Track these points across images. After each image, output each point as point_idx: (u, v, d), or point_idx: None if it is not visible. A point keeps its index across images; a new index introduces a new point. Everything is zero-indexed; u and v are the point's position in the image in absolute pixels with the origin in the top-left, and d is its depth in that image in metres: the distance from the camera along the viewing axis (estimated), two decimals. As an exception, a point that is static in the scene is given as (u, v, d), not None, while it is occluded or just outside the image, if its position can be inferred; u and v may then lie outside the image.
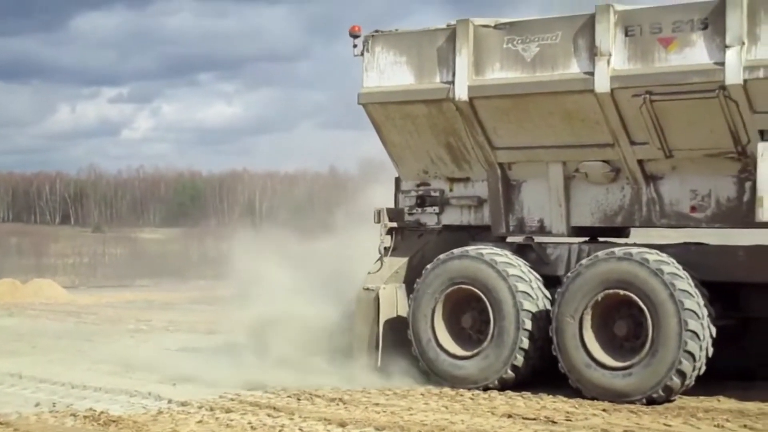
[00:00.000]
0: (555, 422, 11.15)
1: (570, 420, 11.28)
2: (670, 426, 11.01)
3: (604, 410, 11.90)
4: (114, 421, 11.19)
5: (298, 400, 12.75)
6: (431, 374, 14.09)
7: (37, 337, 21.11)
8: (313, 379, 14.18)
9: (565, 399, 12.66)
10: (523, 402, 12.60)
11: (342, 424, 11.02)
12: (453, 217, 15.33)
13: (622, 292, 12.97)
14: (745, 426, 10.92)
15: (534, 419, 11.35)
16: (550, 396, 12.84)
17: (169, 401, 12.57)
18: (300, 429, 10.82)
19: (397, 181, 15.87)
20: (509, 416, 11.56)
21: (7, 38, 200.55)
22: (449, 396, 13.09)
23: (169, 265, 55.98)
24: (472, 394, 13.11)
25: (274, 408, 12.08)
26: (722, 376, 13.70)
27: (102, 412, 11.65)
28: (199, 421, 11.30)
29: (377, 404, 12.45)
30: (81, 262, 71.43)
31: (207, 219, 70.65)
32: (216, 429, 10.92)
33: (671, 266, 12.83)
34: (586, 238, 14.26)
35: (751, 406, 12.10)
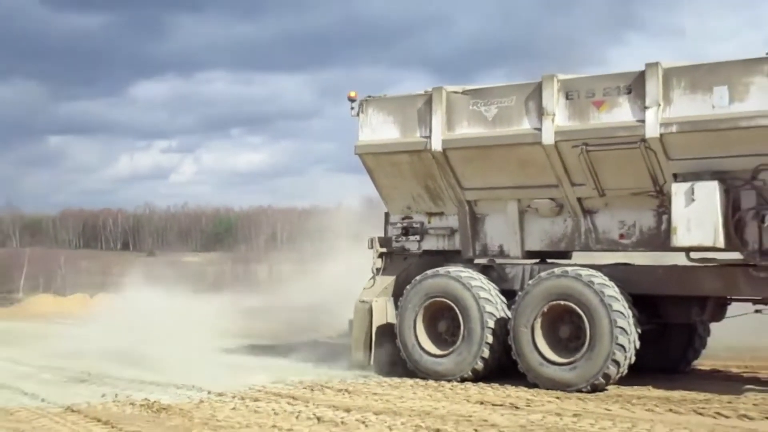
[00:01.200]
0: (518, 408, 11.09)
1: (530, 406, 11.21)
2: (610, 410, 10.91)
3: (557, 398, 11.85)
4: (164, 409, 11.20)
5: (312, 390, 12.67)
6: (417, 371, 13.87)
7: (102, 341, 20.59)
8: (323, 374, 14.11)
9: (526, 389, 12.55)
10: (492, 391, 12.51)
11: (347, 410, 10.95)
12: (431, 243, 15.20)
13: (563, 302, 12.87)
14: (670, 410, 10.87)
15: (501, 405, 11.31)
16: (514, 387, 12.73)
17: (209, 392, 12.55)
18: (314, 414, 10.75)
19: (386, 215, 15.71)
20: (481, 403, 11.53)
21: (79, 101, 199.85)
22: (432, 387, 12.97)
23: (208, 281, 55.76)
24: (451, 385, 13.00)
25: (293, 397, 12.03)
26: (651, 370, 13.55)
27: (155, 402, 11.68)
28: (233, 408, 11.27)
29: (375, 394, 12.38)
30: (138, 281, 70.72)
31: (238, 246, 70.14)
32: (246, 414, 10.83)
33: (600, 278, 12.73)
34: (537, 260, 14.07)
35: (676, 394, 12.05)
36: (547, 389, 12.60)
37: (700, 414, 10.64)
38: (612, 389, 12.39)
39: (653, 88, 12.55)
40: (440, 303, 13.95)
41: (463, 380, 13.41)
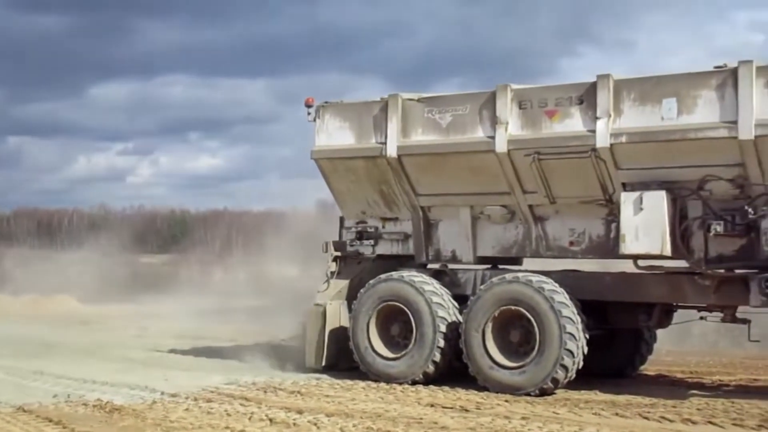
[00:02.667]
0: (468, 410, 11.13)
1: (479, 409, 11.25)
2: (558, 413, 11.00)
3: (506, 401, 11.89)
4: (117, 410, 11.12)
5: (265, 392, 12.62)
6: (369, 374, 13.87)
7: (55, 341, 20.79)
8: (276, 376, 14.04)
9: (476, 392, 12.58)
10: (442, 394, 12.54)
11: (300, 412, 10.95)
12: (385, 248, 15.23)
13: (513, 307, 12.89)
14: (617, 414, 10.97)
15: (451, 408, 11.34)
16: (465, 390, 12.73)
17: (162, 393, 12.44)
18: (266, 415, 10.72)
19: (341, 219, 15.68)
20: (431, 405, 11.56)
21: (39, 103, 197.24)
22: (384, 389, 12.96)
23: (163, 283, 55.13)
24: (402, 388, 13.01)
25: (246, 398, 11.99)
26: (598, 375, 13.65)
27: (107, 402, 11.56)
28: (186, 409, 11.21)
29: (327, 396, 12.38)
30: (93, 281, 70.10)
31: (194, 248, 69.72)
32: (199, 415, 10.80)
33: (550, 284, 12.77)
34: (489, 266, 14.13)
35: (622, 398, 12.14)
36: (497, 392, 12.60)
37: (646, 418, 10.75)
38: (560, 393, 12.47)
39: (604, 99, 12.60)
40: (393, 307, 13.95)
41: (414, 383, 13.41)
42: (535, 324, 12.68)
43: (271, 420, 10.48)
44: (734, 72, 11.85)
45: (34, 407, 11.30)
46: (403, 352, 13.77)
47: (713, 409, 11.40)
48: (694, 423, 10.49)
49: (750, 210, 11.94)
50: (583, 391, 12.64)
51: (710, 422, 10.55)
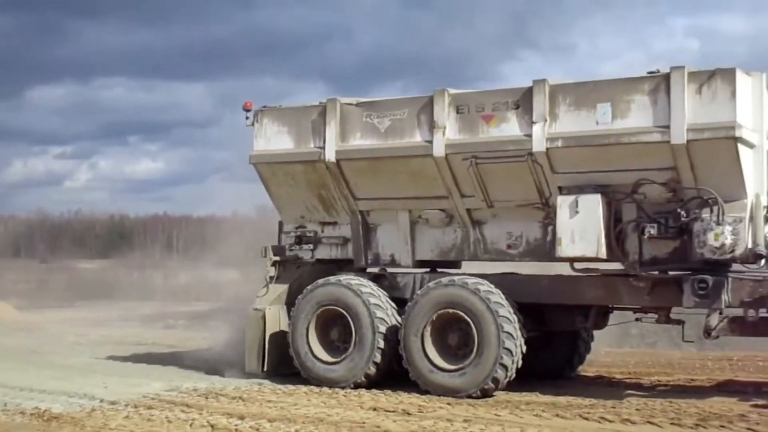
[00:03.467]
0: (410, 414, 11.17)
1: (422, 412, 11.29)
2: (499, 415, 11.03)
3: (448, 404, 11.92)
4: (56, 418, 11.04)
5: (206, 398, 12.55)
6: (310, 379, 13.87)
7: None
8: (218, 382, 14.03)
9: (418, 395, 12.63)
10: (385, 398, 12.57)
11: (242, 417, 10.93)
12: (324, 252, 15.23)
13: (451, 310, 12.95)
14: (557, 415, 11.02)
15: (393, 411, 11.37)
16: (407, 393, 12.78)
17: (101, 400, 12.32)
18: (208, 422, 10.69)
19: (280, 224, 15.65)
20: (374, 409, 11.57)
21: None
22: (327, 394, 12.91)
23: (102, 289, 54.92)
24: (345, 392, 12.98)
25: (187, 405, 11.93)
26: (537, 376, 13.82)
27: (45, 410, 11.47)
28: (126, 417, 11.14)
29: (270, 401, 12.31)
30: (30, 288, 69.50)
31: (133, 253, 69.12)
32: (139, 423, 10.73)
33: (486, 286, 12.84)
34: (428, 269, 14.23)
35: (562, 399, 12.23)
36: (439, 395, 12.67)
37: (586, 419, 10.83)
38: (501, 395, 12.54)
39: (540, 104, 12.70)
40: (332, 311, 13.95)
41: (356, 386, 13.38)
42: (472, 325, 12.73)
43: (212, 426, 10.46)
44: (666, 77, 12.06)
45: (-33, 417, 11.09)
46: (344, 356, 13.75)
47: (652, 409, 11.53)
48: (633, 423, 10.60)
49: (682, 213, 12.09)
50: (524, 393, 12.71)
51: (649, 422, 10.67)
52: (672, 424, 10.67)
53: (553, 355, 14.67)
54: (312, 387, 13.41)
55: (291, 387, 13.45)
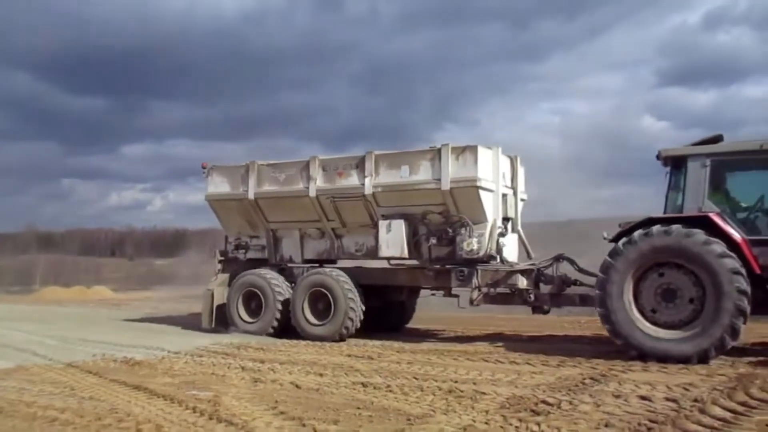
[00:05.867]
0: (372, 358, 10.93)
1: (380, 357, 11.07)
2: (430, 359, 10.71)
3: (397, 352, 11.63)
4: (137, 363, 10.77)
5: (238, 349, 12.27)
6: (237, 332, 13.92)
7: (93, 318, 20.25)
8: (245, 338, 13.56)
9: (378, 346, 12.49)
10: (356, 348, 12.32)
11: (262, 361, 10.78)
12: (252, 254, 15.30)
13: (319, 288, 13.44)
14: (468, 359, 10.59)
15: (361, 357, 11.16)
16: (371, 344, 12.77)
17: (168, 351, 12.05)
18: (239, 365, 10.45)
19: (226, 237, 15.76)
20: (349, 355, 11.38)
21: (85, 156, 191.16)
22: (318, 345, 12.67)
23: (170, 278, 52.98)
24: (330, 345, 12.67)
25: (226, 354, 11.69)
26: (384, 330, 14.35)
27: (130, 358, 11.23)
28: (185, 362, 10.88)
29: (280, 350, 12.12)
30: (121, 276, 67.11)
31: (190, 254, 67.74)
32: (194, 366, 10.49)
33: (339, 273, 13.41)
34: (310, 265, 14.45)
35: (470, 347, 11.96)
36: (312, 341, 13.03)
37: (486, 361, 10.59)
38: (428, 346, 12.34)
39: (369, 165, 13.14)
40: (252, 291, 14.34)
41: (267, 335, 13.65)
42: (331, 298, 13.35)
43: (242, 368, 10.23)
44: (439, 150, 12.51)
45: (79, 363, 10.96)
46: (258, 317, 14.28)
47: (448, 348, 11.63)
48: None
49: (450, 230, 12.77)
50: (447, 344, 12.51)
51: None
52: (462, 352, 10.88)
53: (390, 316, 15.22)
54: (309, 342, 13.19)
55: (295, 341, 13.29)
